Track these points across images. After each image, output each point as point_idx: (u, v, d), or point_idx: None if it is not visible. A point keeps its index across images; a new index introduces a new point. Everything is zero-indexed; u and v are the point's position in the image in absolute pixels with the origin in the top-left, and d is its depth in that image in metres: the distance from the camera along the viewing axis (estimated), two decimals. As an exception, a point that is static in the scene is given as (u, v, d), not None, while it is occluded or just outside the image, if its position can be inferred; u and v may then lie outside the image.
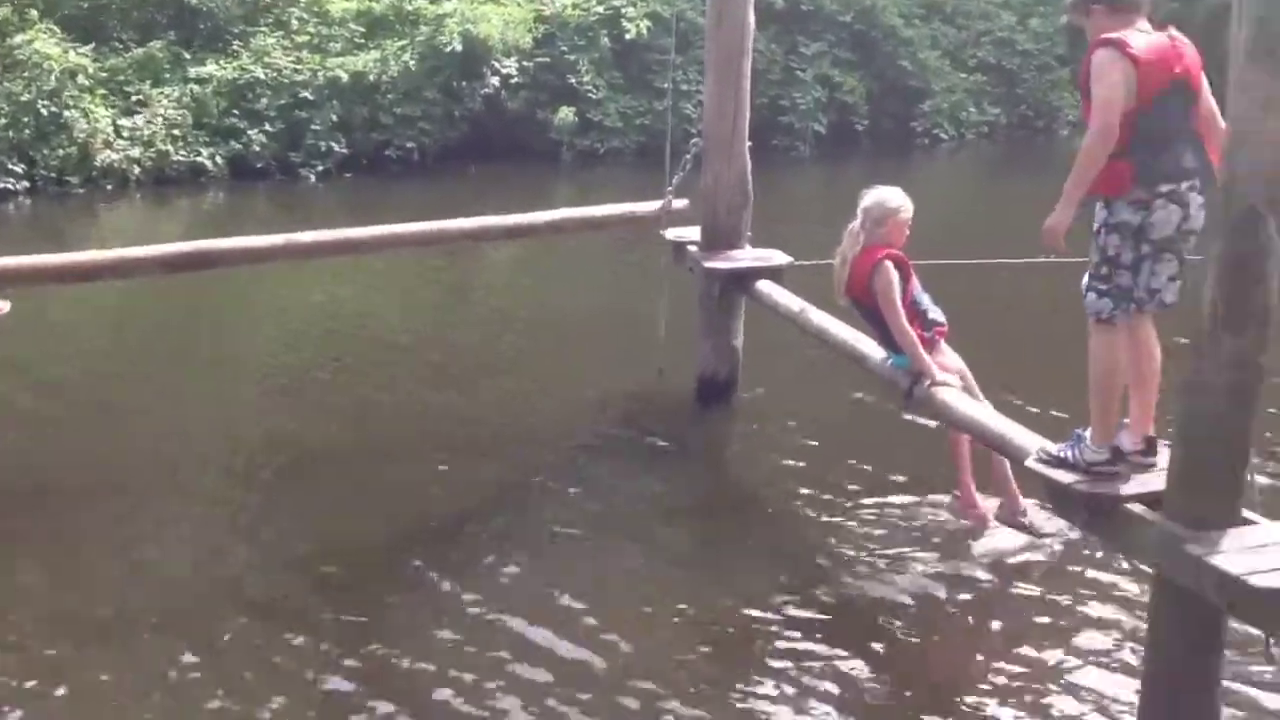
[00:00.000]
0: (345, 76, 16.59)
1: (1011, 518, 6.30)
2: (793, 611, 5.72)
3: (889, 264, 6.13)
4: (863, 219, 6.28)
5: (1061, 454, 4.83)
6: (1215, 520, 4.17)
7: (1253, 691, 4.97)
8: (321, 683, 5.21)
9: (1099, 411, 4.81)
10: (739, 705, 5.06)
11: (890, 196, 6.28)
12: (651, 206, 8.63)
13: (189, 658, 5.36)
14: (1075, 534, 6.05)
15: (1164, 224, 4.65)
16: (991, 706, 5.02)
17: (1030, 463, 5.05)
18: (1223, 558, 4.00)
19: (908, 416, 7.00)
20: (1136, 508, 4.48)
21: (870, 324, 6.45)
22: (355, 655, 5.40)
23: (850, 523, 6.57)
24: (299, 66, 16.66)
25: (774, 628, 5.61)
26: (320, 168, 16.17)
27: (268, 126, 16.14)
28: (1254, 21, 3.93)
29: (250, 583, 6.10)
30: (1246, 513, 4.27)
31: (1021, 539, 6.28)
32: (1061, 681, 5.16)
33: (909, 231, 6.30)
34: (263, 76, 16.41)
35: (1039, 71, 20.48)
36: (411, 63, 16.87)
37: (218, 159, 15.79)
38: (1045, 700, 5.04)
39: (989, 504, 6.41)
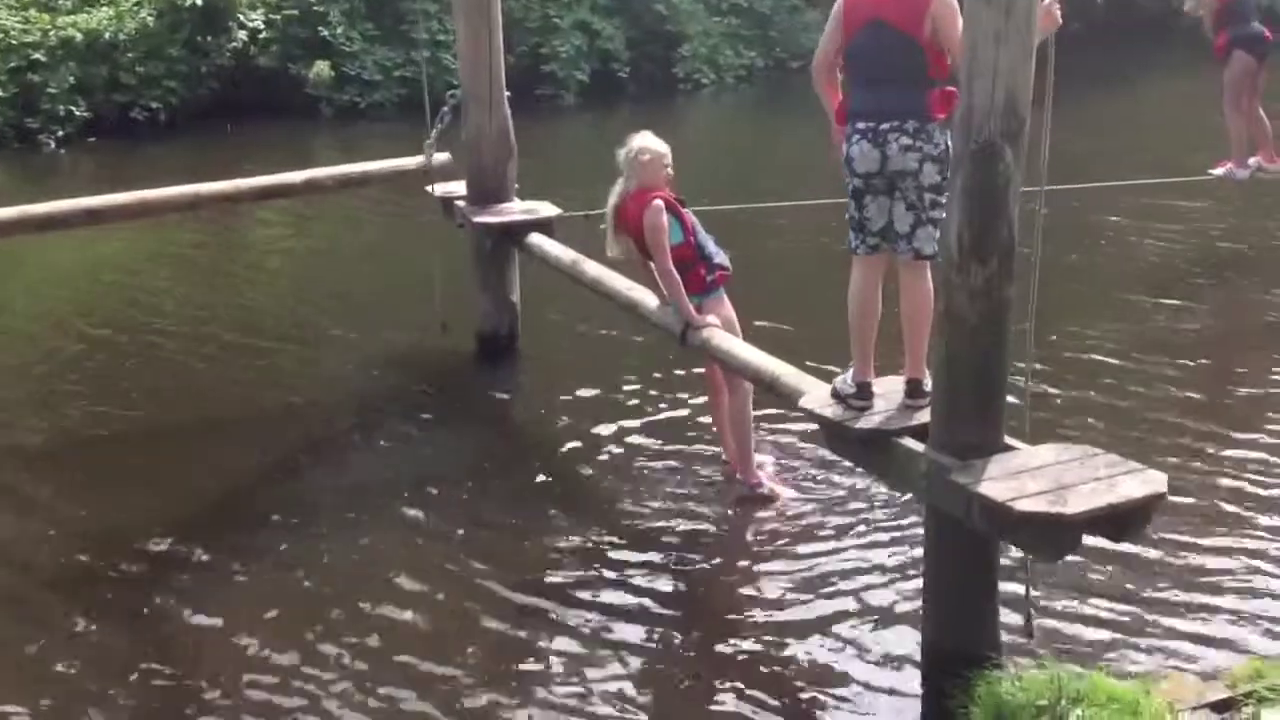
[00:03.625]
0: (79, 35, 15.71)
1: (755, 492, 6.33)
2: (584, 565, 5.72)
3: (659, 204, 6.14)
4: (625, 168, 6.30)
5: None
6: (979, 448, 4.32)
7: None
8: (117, 666, 5.00)
9: (852, 344, 5.02)
10: (533, 662, 5.04)
11: (639, 142, 6.30)
12: (414, 161, 8.45)
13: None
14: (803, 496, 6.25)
15: (861, 159, 4.82)
16: (782, 638, 5.12)
17: (803, 402, 5.16)
18: (988, 484, 4.14)
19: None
20: (906, 441, 4.61)
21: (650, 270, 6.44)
22: (151, 639, 5.20)
23: (638, 472, 6.59)
24: (27, 26, 15.69)
25: (566, 583, 5.59)
26: (60, 133, 15.32)
27: (-1, 92, 15.19)
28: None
29: (36, 570, 5.79)
30: (1009, 439, 4.43)
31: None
32: (854, 613, 5.29)
33: (670, 173, 6.31)
34: (-12, 38, 15.41)
35: (789, 14, 20.83)
36: (149, 19, 16.07)
37: (-55, 128, 14.79)
38: (832, 625, 5.17)
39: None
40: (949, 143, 4.55)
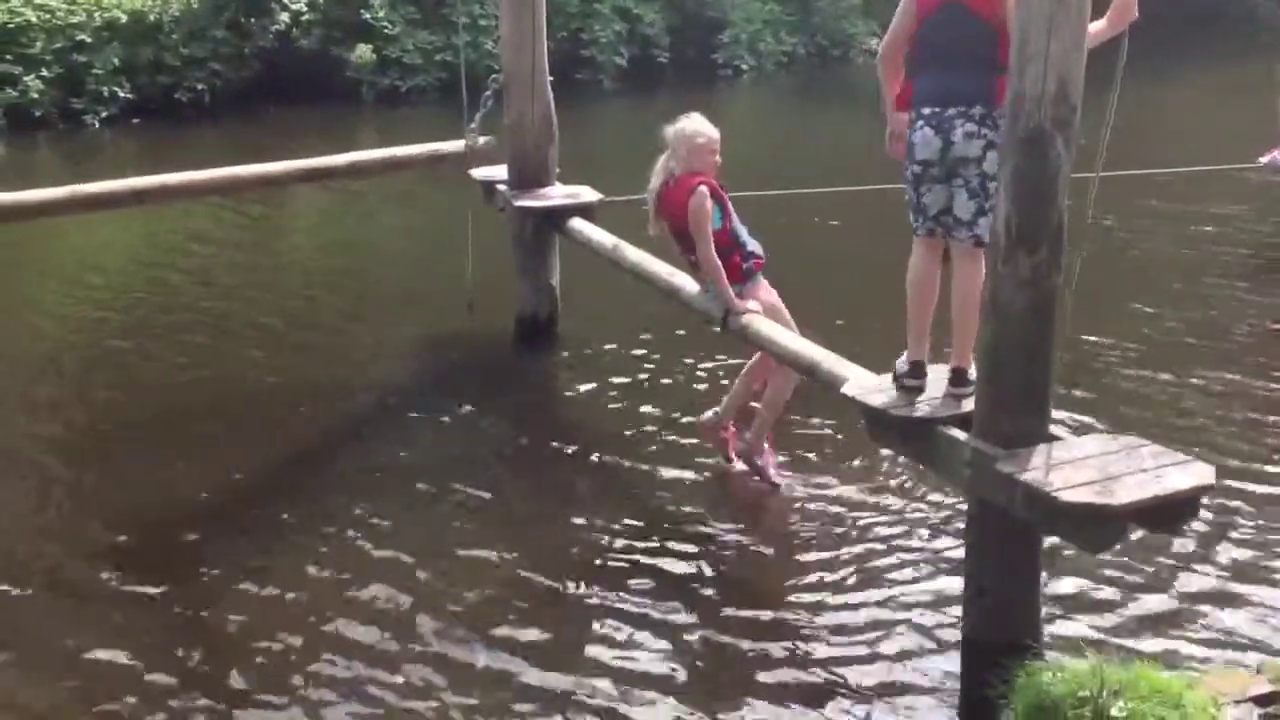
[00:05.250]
0: (124, 17, 15.82)
1: (749, 458, 6.36)
2: (621, 550, 5.72)
3: (704, 190, 6.12)
4: (672, 150, 6.26)
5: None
6: (1024, 438, 4.28)
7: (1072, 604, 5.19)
8: (142, 647, 5.01)
9: (908, 324, 4.97)
10: (570, 647, 5.04)
11: (692, 124, 6.26)
12: (456, 145, 8.46)
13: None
14: (807, 490, 6.23)
15: (923, 146, 4.77)
16: (819, 627, 5.12)
17: (845, 389, 5.13)
18: (1033, 474, 4.11)
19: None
20: (949, 429, 4.58)
21: (688, 255, 6.43)
22: (181, 620, 5.21)
23: (676, 458, 6.59)
24: (73, 7, 15.81)
25: (603, 568, 5.59)
26: (105, 114, 15.44)
27: (44, 72, 15.32)
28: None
29: (63, 552, 5.81)
30: (1054, 429, 4.40)
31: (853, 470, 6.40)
32: (893, 603, 5.27)
33: (718, 160, 6.29)
34: (35, 19, 15.52)
35: (832, 0, 20.75)
36: (193, 1, 16.16)
37: (-8, 108, 14.94)
38: (874, 621, 5.16)
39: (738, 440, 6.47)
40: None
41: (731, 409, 6.47)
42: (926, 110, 4.74)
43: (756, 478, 6.32)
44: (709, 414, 6.52)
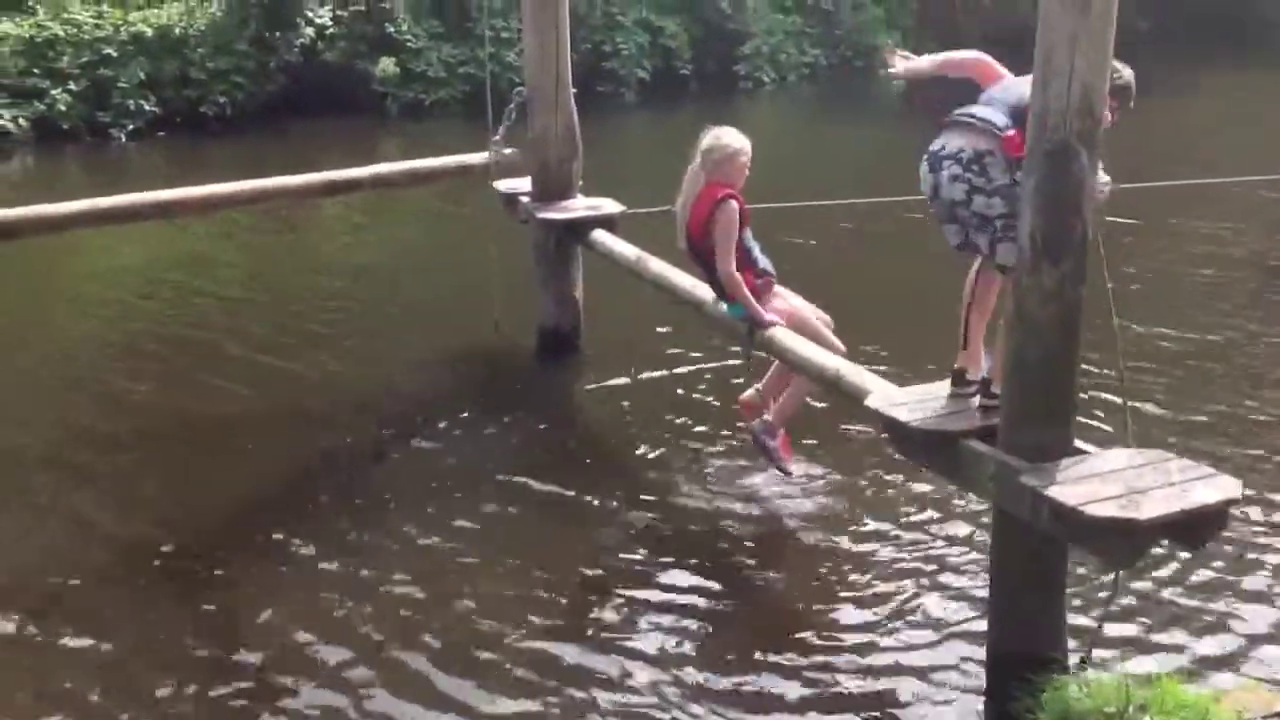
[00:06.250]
0: (149, 31, 15.94)
1: (762, 440, 6.32)
2: (645, 562, 5.72)
3: (733, 203, 6.10)
4: (702, 159, 6.24)
5: None
6: (1049, 451, 4.27)
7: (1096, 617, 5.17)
8: (178, 650, 5.06)
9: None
10: (597, 661, 5.04)
11: (729, 136, 6.24)
12: (480, 158, 8.49)
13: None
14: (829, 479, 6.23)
15: (922, 181, 4.86)
16: (842, 637, 5.10)
17: (868, 402, 5.12)
18: (1058, 489, 4.09)
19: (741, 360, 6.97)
20: (973, 442, 4.57)
21: (703, 268, 6.42)
22: (208, 626, 5.24)
23: (699, 467, 6.60)
24: (100, 21, 15.95)
25: (627, 580, 5.60)
26: (130, 127, 15.55)
27: (72, 85, 15.46)
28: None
29: (92, 562, 5.84)
30: (1079, 443, 4.39)
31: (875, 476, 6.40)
32: (917, 614, 5.26)
33: (748, 173, 6.27)
34: (62, 33, 15.67)
35: (855, 11, 20.75)
36: (218, 13, 16.27)
37: (21, 121, 15.05)
38: (897, 632, 5.14)
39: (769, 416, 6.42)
40: (1015, 178, 4.46)
41: (773, 389, 6.44)
42: (933, 146, 4.81)
43: (766, 458, 6.28)
44: (751, 391, 6.46)
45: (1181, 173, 11.40)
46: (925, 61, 5.34)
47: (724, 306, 6.31)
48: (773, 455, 6.27)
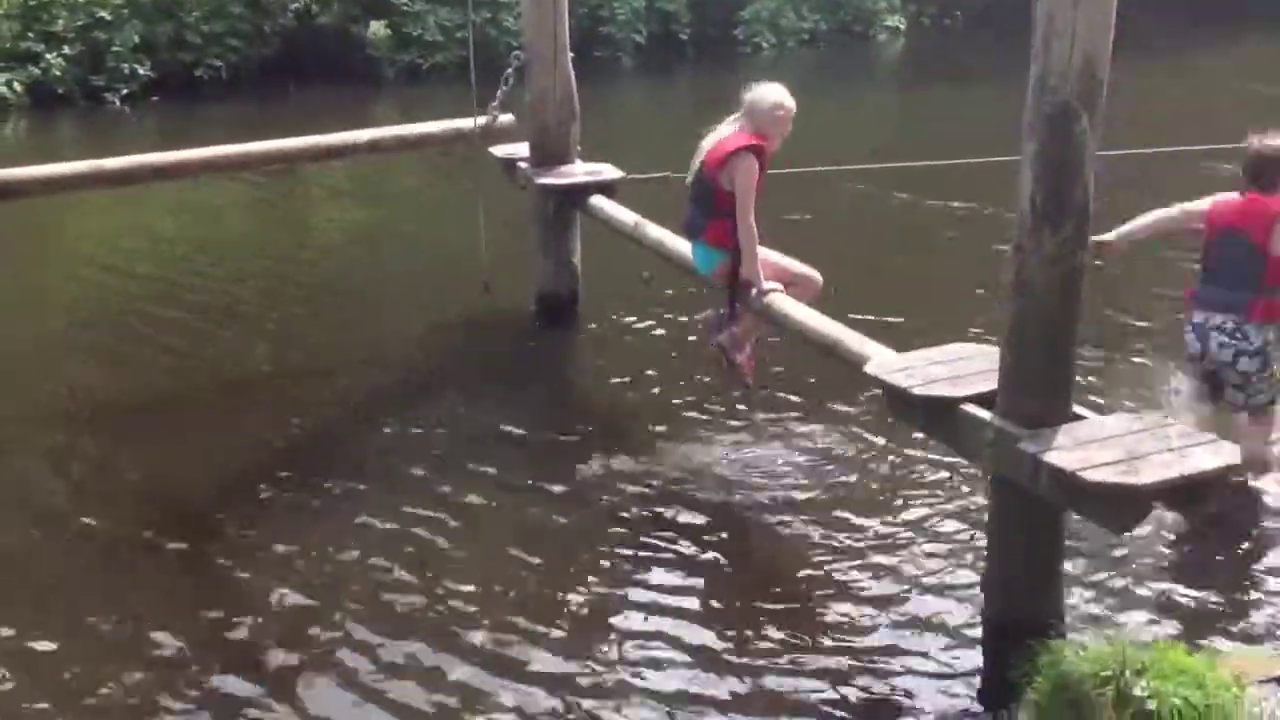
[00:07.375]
0: (144, -7, 15.79)
1: (728, 350, 6.37)
2: (644, 530, 5.73)
3: (753, 157, 5.99)
4: (745, 110, 6.13)
5: None
6: (1047, 417, 4.26)
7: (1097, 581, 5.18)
8: (169, 619, 5.07)
9: None
10: (593, 630, 5.06)
11: (775, 92, 6.12)
12: (472, 122, 8.42)
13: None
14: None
15: (1189, 345, 5.76)
16: (839, 606, 5.12)
17: (868, 368, 5.12)
18: (1056, 454, 4.09)
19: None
20: (972, 408, 4.56)
21: (696, 206, 6.26)
22: (199, 596, 5.26)
23: (698, 434, 6.59)
24: (94, -17, 15.80)
25: (619, 546, 5.60)
26: (125, 91, 15.43)
27: (66, 49, 15.32)
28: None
29: (84, 530, 5.85)
30: (1077, 408, 4.38)
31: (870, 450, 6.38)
32: (913, 582, 5.27)
33: (787, 133, 6.16)
34: (57, -4, 15.52)
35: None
36: (214, -24, 16.16)
37: (15, 86, 14.95)
38: (895, 600, 5.16)
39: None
40: (1268, 338, 5.52)
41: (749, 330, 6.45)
42: (1197, 318, 5.65)
43: (728, 366, 6.42)
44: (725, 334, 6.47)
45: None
46: (1138, 229, 5.92)
47: (695, 248, 6.28)
48: (736, 366, 6.28)
